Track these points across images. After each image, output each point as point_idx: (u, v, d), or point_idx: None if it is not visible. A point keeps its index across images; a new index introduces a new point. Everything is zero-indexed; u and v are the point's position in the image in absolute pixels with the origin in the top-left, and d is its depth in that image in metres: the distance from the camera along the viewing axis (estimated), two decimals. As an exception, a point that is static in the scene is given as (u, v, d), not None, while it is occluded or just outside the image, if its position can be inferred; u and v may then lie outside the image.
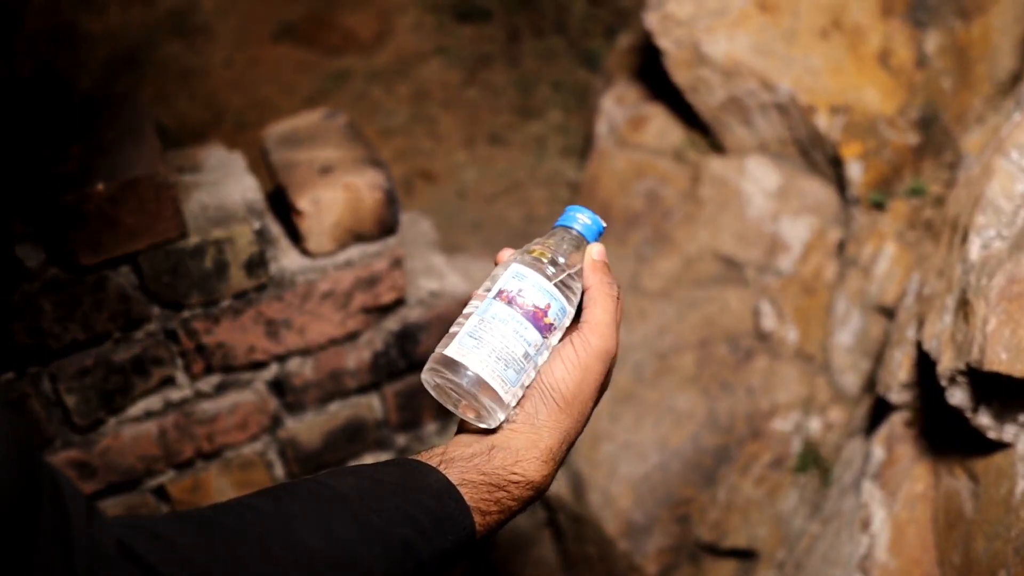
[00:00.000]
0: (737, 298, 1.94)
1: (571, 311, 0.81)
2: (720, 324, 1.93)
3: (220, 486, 1.54)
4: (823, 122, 1.79)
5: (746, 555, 1.81)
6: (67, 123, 1.37)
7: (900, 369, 1.46)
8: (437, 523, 0.71)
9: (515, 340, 0.77)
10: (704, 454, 1.86)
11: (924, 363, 1.36)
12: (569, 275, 0.81)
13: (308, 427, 1.58)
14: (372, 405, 1.61)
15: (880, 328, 1.73)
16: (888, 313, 1.71)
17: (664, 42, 1.88)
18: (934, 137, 1.75)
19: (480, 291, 0.82)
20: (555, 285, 0.79)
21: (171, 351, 1.41)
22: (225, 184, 1.42)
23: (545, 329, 0.78)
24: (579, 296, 0.82)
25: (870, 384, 1.71)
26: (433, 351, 0.80)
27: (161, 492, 1.51)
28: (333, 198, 1.42)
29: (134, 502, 1.49)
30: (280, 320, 1.45)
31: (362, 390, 1.59)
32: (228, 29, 3.21)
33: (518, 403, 0.78)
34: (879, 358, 1.66)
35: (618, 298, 0.81)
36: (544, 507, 1.95)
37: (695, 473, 1.85)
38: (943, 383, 1.21)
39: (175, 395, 1.45)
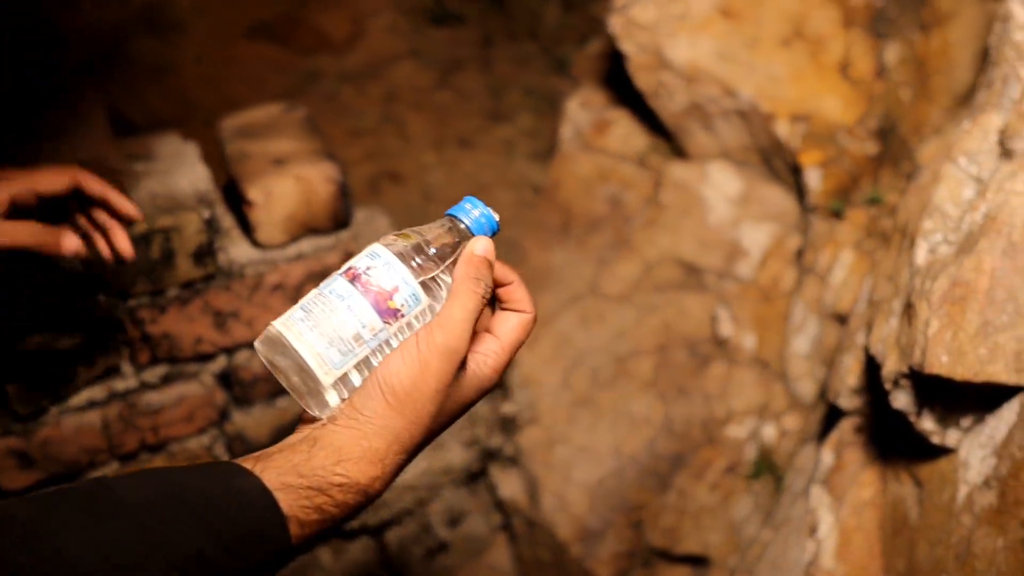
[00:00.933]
0: (696, 304, 1.94)
1: (430, 303, 0.73)
2: (679, 329, 1.93)
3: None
4: (783, 130, 1.79)
5: (699, 561, 1.80)
6: (14, 107, 1.35)
7: (849, 374, 1.46)
8: (244, 536, 0.63)
9: (347, 318, 0.69)
10: (659, 459, 1.85)
11: (871, 368, 1.36)
12: (437, 264, 0.74)
13: (257, 422, 1.56)
14: (322, 401, 1.59)
15: (836, 336, 1.74)
16: (843, 320, 1.71)
17: (627, 46, 1.88)
18: (892, 147, 1.76)
19: None
20: (413, 271, 0.72)
21: (116, 339, 1.39)
22: (176, 173, 1.40)
23: (388, 314, 0.70)
24: (447, 289, 0.74)
25: (824, 391, 1.72)
26: None
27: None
28: (285, 189, 1.41)
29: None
30: (228, 311, 1.44)
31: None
32: (201, 26, 3.20)
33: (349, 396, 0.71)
34: (832, 364, 1.67)
35: (484, 296, 0.72)
36: (499, 511, 1.94)
37: (650, 478, 1.84)
38: (887, 387, 1.21)
39: (120, 385, 1.43)
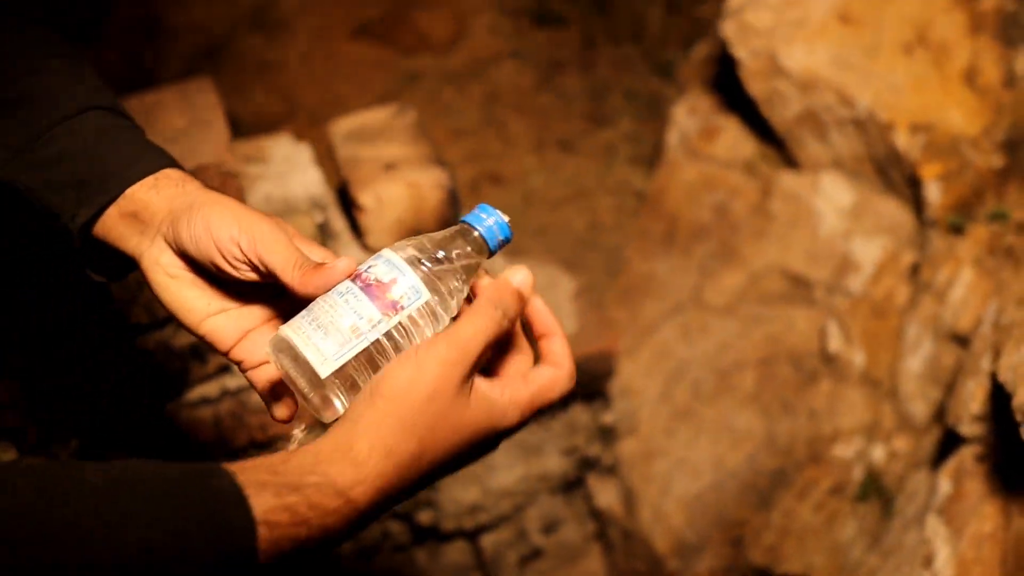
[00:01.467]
0: (803, 317, 1.88)
1: (436, 299, 0.71)
2: (784, 343, 1.88)
3: (270, 476, 1.55)
4: (902, 140, 1.73)
5: (799, 583, 1.75)
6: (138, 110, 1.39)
7: (972, 400, 1.40)
8: (207, 536, 0.57)
9: (345, 311, 0.69)
10: (761, 476, 1.81)
11: (999, 395, 1.30)
12: (445, 266, 0.72)
13: (360, 423, 1.57)
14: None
15: (952, 356, 1.67)
16: (962, 341, 1.64)
17: (740, 52, 1.84)
18: (1020, 160, 1.68)
19: None
20: (417, 269, 0.71)
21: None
22: (290, 176, 1.43)
23: (387, 306, 0.69)
24: (458, 296, 0.73)
25: (939, 414, 1.65)
26: None
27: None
28: (396, 195, 1.42)
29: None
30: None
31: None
32: (307, 25, 3.26)
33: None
34: (950, 387, 1.60)
35: (500, 324, 0.68)
36: (595, 520, 1.92)
37: (750, 495, 1.80)
38: (1018, 418, 1.15)
39: (231, 383, 1.46)
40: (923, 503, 1.50)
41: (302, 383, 0.69)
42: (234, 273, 0.74)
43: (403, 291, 0.70)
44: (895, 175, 1.79)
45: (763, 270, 1.94)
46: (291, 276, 0.71)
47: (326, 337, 0.68)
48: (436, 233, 0.75)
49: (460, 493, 1.72)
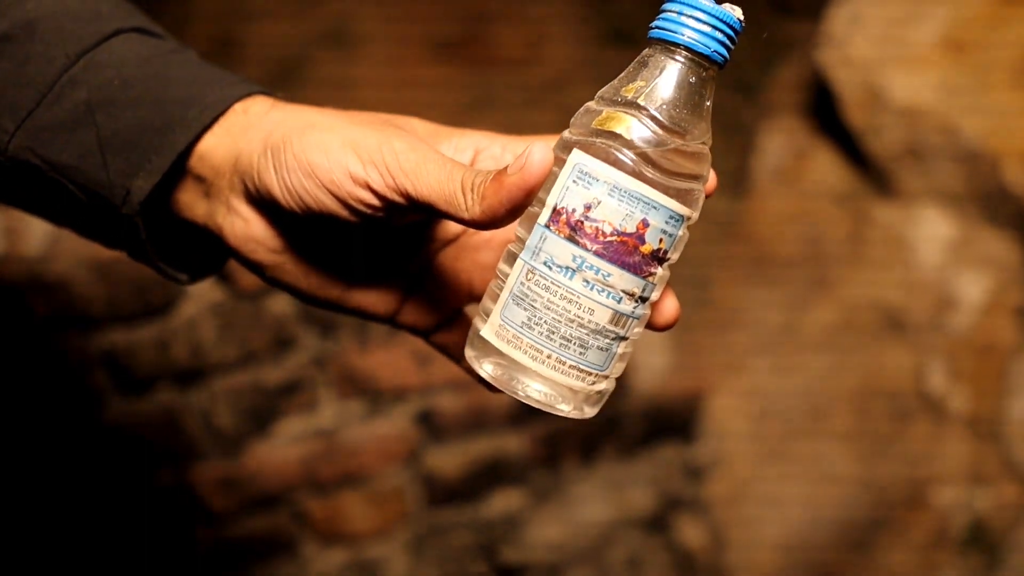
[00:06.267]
0: (899, 354, 1.82)
1: (692, 213, 0.48)
2: (879, 381, 1.82)
3: (357, 512, 1.54)
4: (1012, 173, 1.66)
5: (895, 631, 1.69)
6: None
7: (1095, 456, 1.33)
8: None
9: (593, 301, 0.46)
10: (855, 518, 1.75)
11: None
12: (677, 136, 0.47)
13: (448, 460, 1.56)
14: (514, 442, 1.58)
15: (1064, 401, 1.59)
16: (1075, 387, 1.57)
17: (839, 82, 1.78)
18: None
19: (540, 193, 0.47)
20: (652, 178, 0.46)
21: (320, 376, 1.42)
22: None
23: (646, 264, 0.46)
24: (706, 176, 0.50)
25: (1049, 462, 1.58)
26: None
27: (299, 515, 1.52)
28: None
29: (275, 522, 1.51)
30: (429, 353, 1.44)
31: (505, 426, 1.56)
32: (382, 42, 3.26)
33: None
34: (1065, 437, 1.53)
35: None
36: (680, 558, 1.88)
37: (844, 539, 1.74)
38: None
39: (321, 419, 1.45)
40: (1036, 559, 1.43)
41: (560, 407, 0.49)
42: (364, 217, 0.51)
43: (659, 232, 0.46)
44: (1000, 209, 1.72)
45: (856, 303, 1.88)
46: (466, 206, 0.47)
47: (584, 351, 0.46)
48: (632, 83, 0.49)
49: (544, 530, 1.69)
